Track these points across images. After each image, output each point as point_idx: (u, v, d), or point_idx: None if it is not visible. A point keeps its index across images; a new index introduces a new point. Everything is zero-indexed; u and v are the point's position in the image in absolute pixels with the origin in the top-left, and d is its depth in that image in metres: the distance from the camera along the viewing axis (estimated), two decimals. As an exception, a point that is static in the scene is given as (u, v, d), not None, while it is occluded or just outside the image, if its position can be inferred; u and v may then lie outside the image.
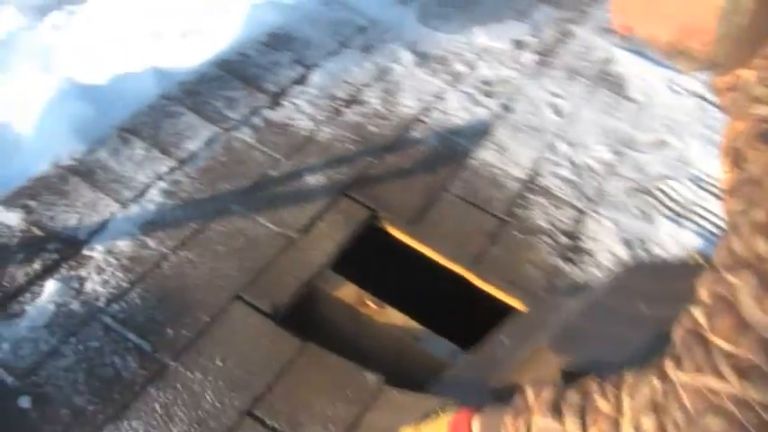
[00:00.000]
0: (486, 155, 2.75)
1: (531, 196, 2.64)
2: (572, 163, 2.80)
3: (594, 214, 2.63)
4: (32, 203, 2.29)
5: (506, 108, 2.97)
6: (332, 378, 2.00)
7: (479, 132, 2.84)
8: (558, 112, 3.02)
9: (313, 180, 2.50)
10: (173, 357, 1.99)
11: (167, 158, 2.48)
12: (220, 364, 1.99)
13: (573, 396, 1.17)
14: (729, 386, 0.95)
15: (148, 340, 2.02)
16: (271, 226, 2.33)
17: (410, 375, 2.03)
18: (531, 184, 2.68)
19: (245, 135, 2.61)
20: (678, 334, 1.03)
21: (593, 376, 1.17)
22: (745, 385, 0.94)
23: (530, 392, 1.25)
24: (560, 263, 2.44)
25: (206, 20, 3.25)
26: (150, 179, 2.41)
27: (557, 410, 1.18)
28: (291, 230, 2.33)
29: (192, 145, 2.54)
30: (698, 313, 1.00)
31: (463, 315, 2.41)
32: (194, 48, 3.01)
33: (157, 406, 1.90)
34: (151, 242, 2.24)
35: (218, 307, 2.11)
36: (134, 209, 2.32)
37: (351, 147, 2.65)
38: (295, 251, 2.28)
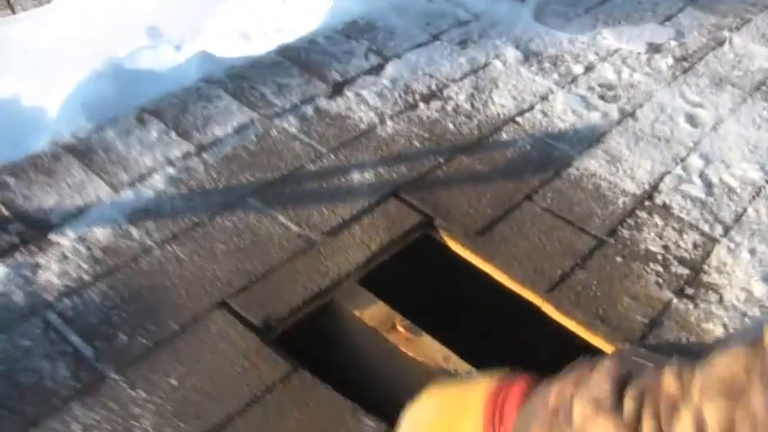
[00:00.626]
0: (591, 164, 2.16)
1: (645, 215, 2.03)
2: (705, 180, 2.17)
3: (728, 242, 1.99)
4: (11, 181, 1.89)
5: (628, 114, 2.37)
6: (317, 418, 1.47)
7: (587, 139, 2.25)
8: (694, 122, 2.40)
9: (359, 177, 1.99)
10: (116, 369, 1.51)
11: (185, 142, 2.04)
12: (175, 383, 1.50)
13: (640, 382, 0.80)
14: None
15: (93, 345, 1.56)
16: (290, 225, 1.83)
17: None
18: (648, 202, 2.06)
19: (288, 124, 2.14)
20: None
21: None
22: None
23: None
24: (672, 298, 1.81)
25: (291, 15, 2.83)
26: (157, 164, 1.97)
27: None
28: (315, 233, 1.82)
29: (220, 130, 2.09)
30: None
31: (529, 354, 1.81)
32: (265, 40, 2.59)
33: (76, 427, 1.41)
34: (136, 233, 1.79)
35: (193, 314, 1.62)
36: (127, 194, 1.88)
37: (417, 144, 2.12)
38: (313, 257, 1.77)
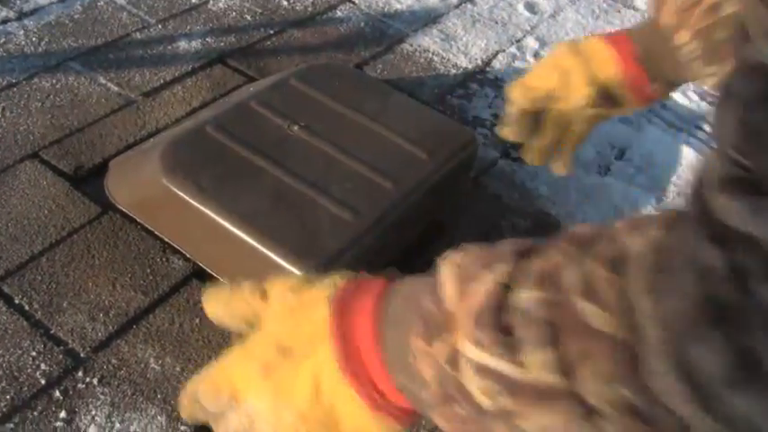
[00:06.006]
0: (425, 41, 2.17)
1: (476, 86, 2.04)
2: (538, 59, 2.19)
3: (554, 111, 2.01)
4: None
5: (466, -1, 2.38)
6: (124, 258, 1.43)
7: (423, 19, 2.26)
8: (533, 9, 2.43)
9: (186, 46, 1.95)
10: None
11: (4, 9, 1.97)
12: (-26, 226, 1.44)
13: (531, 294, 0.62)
14: None
15: None
16: (111, 86, 1.79)
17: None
18: (480, 75, 2.08)
19: (117, -4, 2.07)
20: None
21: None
22: None
23: (449, 287, 0.69)
24: (498, 158, 1.84)
25: None
26: (-28, 28, 1.88)
27: (502, 331, 0.62)
28: (135, 92, 1.78)
29: None
30: None
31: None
32: None
33: None
34: (-57, 92, 1.71)
35: (1, 164, 1.56)
36: (-63, 56, 1.79)
37: (248, 18, 2.09)
38: (131, 113, 1.73)
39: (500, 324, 0.62)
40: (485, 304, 0.63)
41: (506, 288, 0.63)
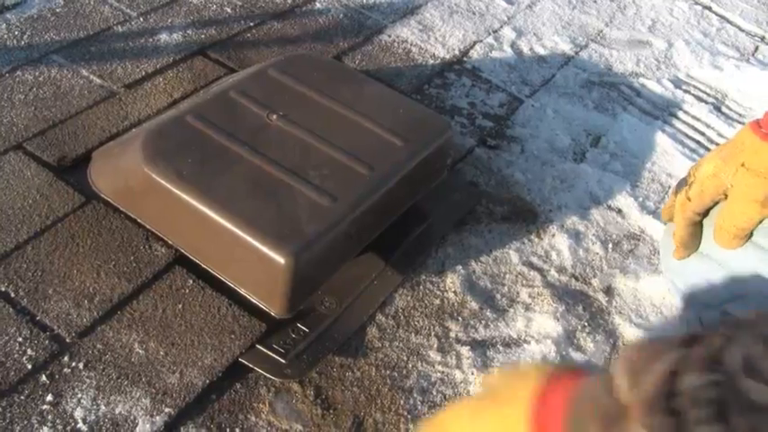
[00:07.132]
0: (403, 32, 2.20)
1: (453, 76, 2.08)
2: (516, 49, 2.24)
3: (533, 102, 2.07)
4: None
5: (443, -9, 2.41)
6: (108, 246, 1.47)
7: (402, 10, 2.29)
8: (510, 0, 2.46)
9: (167, 38, 1.98)
10: None
11: (-15, 3, 1.98)
12: (-38, 216, 1.47)
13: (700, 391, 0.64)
14: None
15: None
16: (93, 78, 1.82)
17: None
18: (458, 65, 2.12)
19: (97, -11, 2.10)
20: None
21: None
22: None
23: (622, 382, 0.71)
24: (475, 146, 1.87)
25: None
26: (-45, 23, 1.91)
27: (672, 415, 0.64)
28: (118, 84, 1.81)
29: (25, -6, 2.03)
30: None
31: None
32: None
33: None
34: (-72, 85, 1.73)
35: (-15, 156, 1.59)
36: None
37: (229, 10, 2.12)
38: (114, 104, 1.76)
39: (670, 409, 0.64)
40: (655, 392, 0.66)
41: (674, 375, 0.66)
